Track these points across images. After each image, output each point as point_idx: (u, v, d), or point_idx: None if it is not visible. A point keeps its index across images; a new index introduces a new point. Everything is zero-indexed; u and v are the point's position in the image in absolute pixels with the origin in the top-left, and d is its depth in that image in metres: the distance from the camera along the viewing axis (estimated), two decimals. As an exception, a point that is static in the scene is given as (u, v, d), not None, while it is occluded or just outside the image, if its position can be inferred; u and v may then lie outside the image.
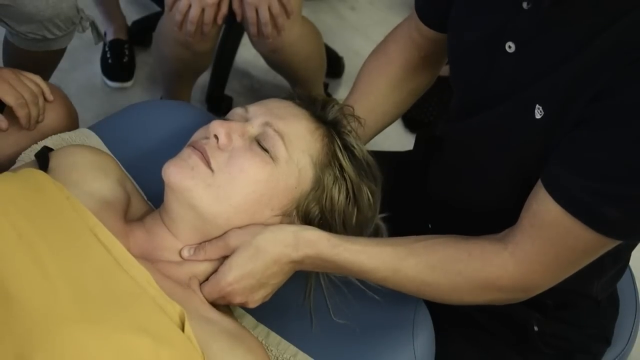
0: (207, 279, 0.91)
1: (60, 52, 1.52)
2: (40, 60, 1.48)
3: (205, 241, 0.91)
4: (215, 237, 0.90)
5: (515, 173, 0.91)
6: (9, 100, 1.10)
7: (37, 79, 1.16)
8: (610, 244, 0.84)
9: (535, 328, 1.05)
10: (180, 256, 0.91)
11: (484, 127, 0.94)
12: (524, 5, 0.84)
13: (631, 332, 1.18)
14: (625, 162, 0.77)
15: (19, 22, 1.36)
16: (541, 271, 0.86)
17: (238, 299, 0.90)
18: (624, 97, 0.76)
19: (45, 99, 1.16)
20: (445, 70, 1.05)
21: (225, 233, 0.90)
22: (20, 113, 1.11)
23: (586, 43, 0.79)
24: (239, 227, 0.90)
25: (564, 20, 0.81)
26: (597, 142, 0.78)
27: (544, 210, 0.83)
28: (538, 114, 0.84)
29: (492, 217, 0.91)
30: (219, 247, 0.90)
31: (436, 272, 0.90)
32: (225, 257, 0.91)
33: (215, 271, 0.91)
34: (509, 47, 0.87)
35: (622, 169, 0.77)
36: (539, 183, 0.84)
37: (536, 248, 0.85)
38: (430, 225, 1.13)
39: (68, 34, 1.45)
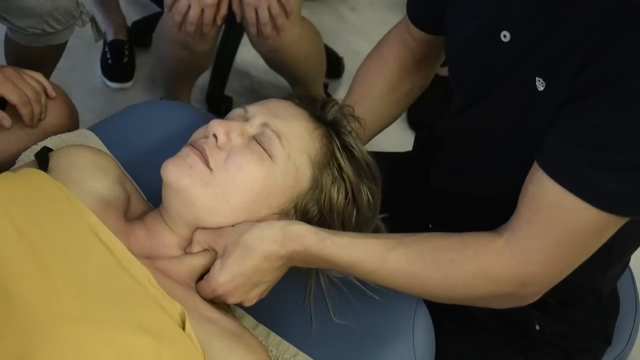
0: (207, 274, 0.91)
1: (61, 47, 1.51)
2: (42, 56, 1.48)
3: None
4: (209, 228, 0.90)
5: (520, 158, 0.87)
6: (13, 98, 1.10)
7: (39, 76, 1.16)
8: (611, 227, 0.80)
9: (537, 327, 1.05)
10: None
11: (485, 114, 0.93)
12: None
13: (631, 332, 1.18)
14: (620, 126, 0.73)
15: (19, 17, 1.35)
16: (540, 260, 0.82)
17: (232, 299, 0.90)
18: (617, 54, 0.73)
19: (47, 96, 1.16)
20: (447, 71, 1.05)
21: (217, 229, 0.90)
22: (24, 111, 1.11)
23: (578, 4, 0.77)
24: (231, 226, 0.89)
25: None
26: (591, 107, 0.75)
27: (540, 191, 0.80)
28: (540, 86, 0.82)
29: (496, 212, 0.88)
30: (207, 234, 0.90)
31: (426, 261, 0.86)
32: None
33: None
34: (504, 36, 0.87)
35: (618, 134, 0.74)
36: (535, 165, 0.81)
37: (534, 233, 0.81)
38: (430, 225, 1.13)
39: (68, 27, 1.44)
